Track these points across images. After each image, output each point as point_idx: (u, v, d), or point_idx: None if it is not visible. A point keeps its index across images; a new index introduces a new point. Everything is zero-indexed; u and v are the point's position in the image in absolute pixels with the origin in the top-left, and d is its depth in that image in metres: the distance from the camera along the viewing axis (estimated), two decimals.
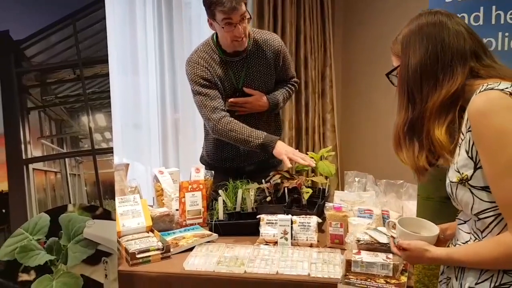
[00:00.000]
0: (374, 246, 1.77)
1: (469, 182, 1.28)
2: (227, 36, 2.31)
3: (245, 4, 2.28)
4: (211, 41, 2.46)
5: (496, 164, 1.21)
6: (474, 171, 1.27)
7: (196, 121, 3.57)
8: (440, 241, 1.49)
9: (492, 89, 1.24)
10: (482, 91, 1.25)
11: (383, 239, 1.77)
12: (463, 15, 1.76)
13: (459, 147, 1.30)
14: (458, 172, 1.30)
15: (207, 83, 2.39)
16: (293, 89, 2.69)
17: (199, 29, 3.56)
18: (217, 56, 2.43)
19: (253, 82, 2.48)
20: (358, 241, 1.79)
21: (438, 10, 1.41)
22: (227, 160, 2.59)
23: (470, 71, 1.32)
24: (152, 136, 3.48)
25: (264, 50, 2.47)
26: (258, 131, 2.36)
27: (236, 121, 2.37)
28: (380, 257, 1.70)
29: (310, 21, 3.89)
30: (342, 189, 2.26)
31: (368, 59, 4.04)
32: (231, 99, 2.46)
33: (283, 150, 2.31)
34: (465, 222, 1.39)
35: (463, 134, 1.29)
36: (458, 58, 1.32)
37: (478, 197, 1.28)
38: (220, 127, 2.36)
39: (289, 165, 2.28)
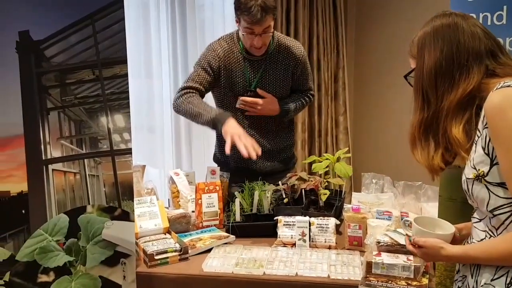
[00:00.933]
0: (394, 248, 1.75)
1: (485, 178, 1.28)
2: (246, 41, 2.33)
3: (274, 16, 2.27)
4: (235, 35, 2.46)
5: None
6: (491, 167, 1.27)
7: None
8: (456, 239, 1.49)
9: (509, 86, 1.25)
10: (499, 88, 1.26)
11: (403, 241, 1.75)
12: (486, 14, 1.73)
13: (475, 144, 1.31)
14: (475, 168, 1.31)
15: (207, 68, 2.41)
16: (308, 101, 2.65)
17: (212, 32, 3.56)
18: (237, 50, 2.43)
19: (268, 85, 2.47)
20: (378, 242, 1.77)
21: (453, 12, 1.42)
22: (239, 160, 2.57)
23: (486, 70, 1.33)
24: (165, 139, 3.48)
25: (285, 56, 2.46)
26: (214, 108, 2.33)
27: (199, 98, 2.37)
28: (401, 259, 1.68)
29: (322, 23, 3.88)
30: (355, 191, 2.24)
31: (380, 61, 4.02)
32: (242, 97, 2.44)
33: (230, 130, 2.22)
34: (480, 220, 1.39)
35: (479, 131, 1.30)
36: (474, 57, 1.34)
37: (494, 193, 1.28)
38: (181, 100, 2.37)
39: (227, 151, 2.18)
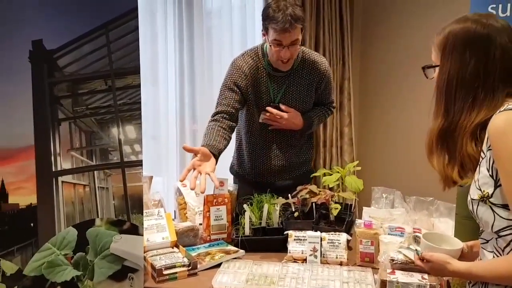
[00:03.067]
0: (409, 266, 1.72)
1: (490, 199, 1.28)
2: (273, 53, 2.29)
3: (302, 28, 2.25)
4: (260, 50, 2.43)
5: None
6: (495, 189, 1.27)
7: None
8: (465, 256, 1.49)
9: (511, 109, 1.24)
10: (502, 111, 1.25)
11: None
12: None
13: (480, 165, 1.30)
14: (479, 189, 1.30)
15: (235, 88, 2.36)
16: (330, 113, 2.67)
17: (219, 40, 3.53)
18: (262, 66, 2.40)
19: (291, 100, 2.45)
20: (392, 260, 1.74)
21: (490, 18, 1.33)
22: (258, 175, 2.56)
23: (507, 95, 1.29)
24: (170, 147, 3.44)
25: (309, 71, 2.44)
26: (214, 137, 2.19)
27: (219, 127, 2.26)
28: (415, 277, 1.65)
29: (329, 34, 3.86)
30: (363, 204, 2.21)
31: (386, 73, 4.01)
32: (268, 107, 2.42)
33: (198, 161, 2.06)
34: (487, 241, 1.38)
35: (483, 152, 1.29)
36: (501, 79, 1.28)
37: (498, 215, 1.27)
38: (207, 126, 2.30)
39: (180, 178, 2.04)
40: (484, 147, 1.29)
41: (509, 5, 1.59)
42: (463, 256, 1.48)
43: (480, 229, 1.40)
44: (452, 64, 1.33)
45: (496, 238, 1.31)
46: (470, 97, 1.30)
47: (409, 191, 2.18)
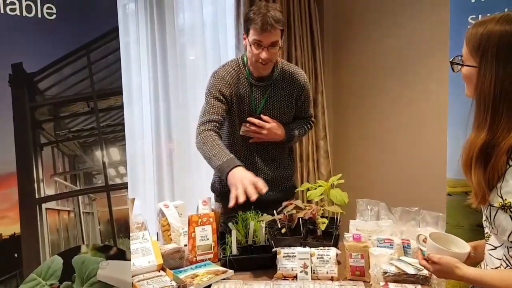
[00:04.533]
0: (402, 278, 1.72)
1: (511, 209, 1.25)
2: (253, 55, 2.30)
3: (282, 32, 2.28)
4: (240, 61, 2.45)
5: None
6: None
7: (191, 151, 3.48)
8: (470, 258, 1.46)
9: None
10: None
11: (410, 270, 1.72)
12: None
13: (506, 173, 1.26)
14: (501, 197, 1.27)
15: (221, 97, 2.35)
16: (310, 127, 2.68)
17: (193, 56, 3.51)
18: (243, 76, 2.40)
19: (272, 110, 2.46)
20: (385, 273, 1.74)
21: None
22: None
23: None
24: (147, 168, 3.38)
25: (289, 82, 2.46)
26: (226, 152, 2.16)
27: (217, 138, 2.25)
28: None
29: (301, 49, 3.89)
30: (345, 217, 2.20)
31: (358, 84, 4.07)
32: (250, 118, 2.41)
33: (235, 177, 2.02)
34: (495, 248, 1.37)
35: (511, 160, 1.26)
36: None
37: None
38: (200, 138, 2.27)
39: (231, 204, 1.97)
40: None
41: (488, 15, 1.62)
42: (467, 258, 1.45)
43: (486, 234, 1.39)
44: (495, 72, 1.25)
45: (509, 247, 1.30)
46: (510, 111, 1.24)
47: (387, 202, 2.19)
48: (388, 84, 3.73)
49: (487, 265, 1.41)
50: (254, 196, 1.91)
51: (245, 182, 1.97)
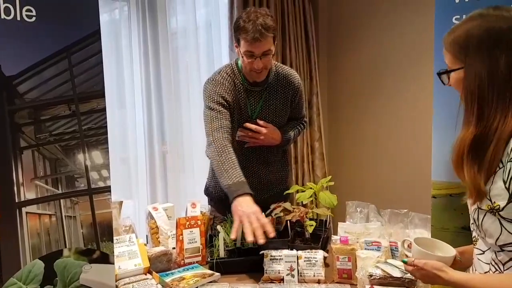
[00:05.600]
0: (387, 281, 1.71)
1: (500, 212, 1.22)
2: (246, 65, 2.27)
3: (274, 38, 2.24)
4: (235, 66, 2.40)
5: None
6: (508, 203, 1.21)
7: (184, 153, 3.48)
8: (456, 263, 1.44)
9: None
10: None
11: (396, 273, 1.71)
12: None
13: (495, 174, 1.24)
14: (490, 200, 1.24)
15: (224, 102, 2.30)
16: (303, 128, 2.67)
17: (185, 60, 3.51)
18: (239, 81, 2.38)
19: (268, 114, 2.44)
20: (370, 275, 1.72)
21: (507, 10, 1.25)
22: None
23: None
24: (139, 170, 3.37)
25: (284, 85, 2.44)
26: (238, 173, 2.08)
27: (231, 150, 2.17)
28: None
29: (295, 50, 3.89)
30: (337, 219, 2.19)
31: (353, 86, 4.06)
32: (246, 123, 2.39)
33: (241, 209, 1.94)
34: (483, 252, 1.34)
35: (502, 162, 1.23)
36: None
37: (506, 229, 1.22)
38: (214, 147, 2.18)
39: (233, 236, 1.94)
40: (505, 158, 1.22)
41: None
42: (454, 263, 1.43)
43: (474, 238, 1.36)
44: (480, 65, 1.24)
45: (497, 251, 1.28)
46: (507, 97, 1.21)
47: (382, 204, 2.18)
48: (382, 85, 3.72)
49: (475, 270, 1.38)
50: (262, 241, 1.84)
51: (252, 220, 1.89)
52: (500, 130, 1.22)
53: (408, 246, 1.50)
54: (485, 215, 1.26)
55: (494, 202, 1.23)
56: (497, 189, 1.23)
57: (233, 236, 1.94)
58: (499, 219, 1.23)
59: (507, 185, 1.20)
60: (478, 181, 1.26)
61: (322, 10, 4.19)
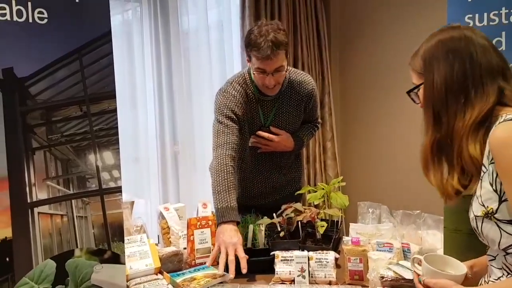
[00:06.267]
0: (399, 283, 1.69)
1: (495, 215, 1.23)
2: (258, 80, 2.26)
3: (286, 53, 2.20)
4: (247, 75, 2.37)
5: None
6: (500, 204, 1.22)
7: (196, 153, 3.49)
8: (467, 279, 1.41)
9: (511, 119, 1.21)
10: (502, 122, 1.22)
11: (408, 275, 1.69)
12: None
13: (482, 180, 1.26)
14: (483, 205, 1.26)
15: (234, 117, 2.27)
16: (316, 129, 2.66)
17: (197, 60, 3.52)
18: (251, 92, 2.35)
19: (282, 122, 2.42)
20: (382, 277, 1.71)
21: (459, 25, 1.36)
22: (248, 198, 2.52)
23: (499, 92, 1.27)
24: (151, 170, 3.39)
25: (297, 92, 2.41)
26: (231, 197, 2.07)
27: (231, 169, 2.15)
28: None
29: (307, 50, 3.88)
30: (349, 220, 2.18)
31: (366, 85, 4.03)
32: (259, 131, 2.38)
33: (222, 237, 1.94)
34: (494, 257, 1.34)
35: (485, 166, 1.25)
36: (488, 73, 1.27)
37: (505, 231, 1.23)
38: (215, 163, 2.17)
39: (208, 264, 1.98)
40: (486, 161, 1.25)
41: (485, 14, 1.60)
42: (465, 279, 1.40)
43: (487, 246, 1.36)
44: (437, 74, 1.31)
45: (505, 255, 1.27)
46: (462, 98, 1.28)
47: (395, 204, 2.16)
48: (395, 85, 3.69)
49: (490, 277, 1.37)
50: (232, 275, 1.85)
51: (230, 251, 1.89)
52: (460, 128, 1.27)
53: (418, 263, 1.49)
54: (482, 221, 1.27)
55: (487, 206, 1.25)
56: (487, 193, 1.25)
57: (208, 264, 1.98)
58: (496, 223, 1.24)
59: (494, 187, 1.23)
60: (448, 182, 1.32)
61: (334, 9, 4.17)
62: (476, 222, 1.29)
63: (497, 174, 1.21)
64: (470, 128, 1.26)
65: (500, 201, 1.22)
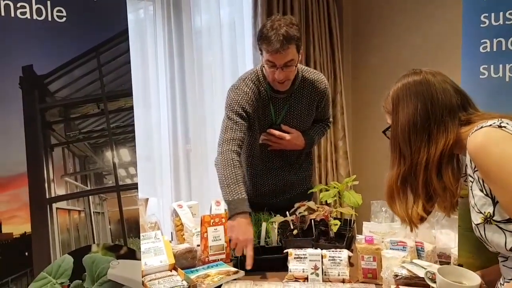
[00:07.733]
0: (413, 281, 1.69)
1: (494, 218, 1.28)
2: (268, 74, 2.27)
3: (298, 48, 2.20)
4: (260, 72, 2.38)
5: (508, 191, 1.23)
6: (494, 207, 1.28)
7: (208, 152, 3.50)
8: None
9: (482, 127, 1.29)
10: (474, 132, 1.30)
11: (421, 273, 1.69)
12: (500, 39, 1.69)
13: (471, 189, 1.33)
14: (480, 212, 1.31)
15: (243, 114, 2.28)
16: (327, 128, 2.66)
17: (210, 58, 3.53)
18: (263, 89, 2.36)
19: (293, 120, 2.43)
20: (396, 275, 1.71)
21: (423, 69, 1.47)
22: (259, 196, 2.53)
23: (459, 122, 1.38)
24: (163, 168, 3.41)
25: (310, 90, 2.42)
26: (240, 188, 2.10)
27: (238, 164, 2.18)
28: None
29: (319, 49, 3.88)
30: (361, 219, 2.19)
31: (378, 84, 4.01)
32: (270, 129, 2.40)
33: (235, 229, 2.00)
34: (506, 258, 1.36)
35: (471, 176, 1.32)
36: (448, 112, 1.38)
37: (508, 231, 1.27)
38: (221, 158, 2.19)
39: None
40: (470, 171, 1.32)
41: (501, 13, 1.59)
42: None
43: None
44: (401, 115, 1.43)
45: None
46: (425, 135, 1.39)
47: None
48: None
49: (504, 278, 1.40)
50: (249, 267, 1.95)
51: (238, 249, 1.99)
52: (426, 161, 1.38)
53: (432, 277, 1.51)
54: (484, 228, 1.32)
55: (485, 211, 1.30)
56: (480, 200, 1.31)
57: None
58: (497, 225, 1.28)
59: (485, 192, 1.29)
60: (413, 211, 1.44)
61: (346, 8, 4.17)
62: (479, 231, 1.34)
63: (483, 179, 1.28)
64: (437, 160, 1.37)
65: (494, 203, 1.28)
